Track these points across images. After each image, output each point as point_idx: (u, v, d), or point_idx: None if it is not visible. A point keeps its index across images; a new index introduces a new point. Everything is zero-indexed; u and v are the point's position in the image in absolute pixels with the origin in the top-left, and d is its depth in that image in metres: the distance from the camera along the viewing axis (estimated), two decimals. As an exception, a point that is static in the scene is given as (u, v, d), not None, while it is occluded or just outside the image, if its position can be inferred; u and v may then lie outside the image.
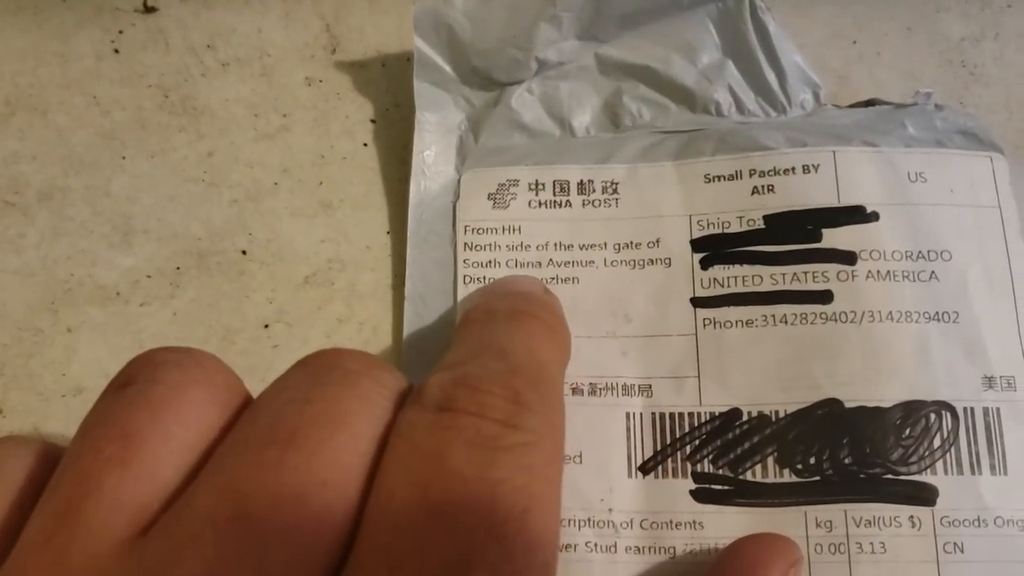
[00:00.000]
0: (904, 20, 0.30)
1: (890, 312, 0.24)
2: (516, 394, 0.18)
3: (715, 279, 0.25)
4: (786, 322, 0.24)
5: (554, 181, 0.26)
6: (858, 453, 0.23)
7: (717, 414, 0.23)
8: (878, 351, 0.23)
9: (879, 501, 0.22)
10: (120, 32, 0.29)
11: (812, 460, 0.23)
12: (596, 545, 0.23)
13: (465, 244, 0.25)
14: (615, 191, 0.26)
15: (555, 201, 0.26)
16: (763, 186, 0.25)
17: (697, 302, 0.24)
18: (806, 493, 0.23)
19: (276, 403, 0.17)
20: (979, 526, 0.22)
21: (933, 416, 0.23)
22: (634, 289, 0.25)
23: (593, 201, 0.26)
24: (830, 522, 0.22)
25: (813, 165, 0.25)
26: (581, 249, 0.25)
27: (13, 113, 0.28)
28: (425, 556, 0.15)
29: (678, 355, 0.24)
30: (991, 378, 0.23)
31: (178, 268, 0.26)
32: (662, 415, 0.23)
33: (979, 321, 0.24)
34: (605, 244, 0.25)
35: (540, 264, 0.25)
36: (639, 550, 0.23)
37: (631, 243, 0.25)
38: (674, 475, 0.23)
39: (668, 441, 0.23)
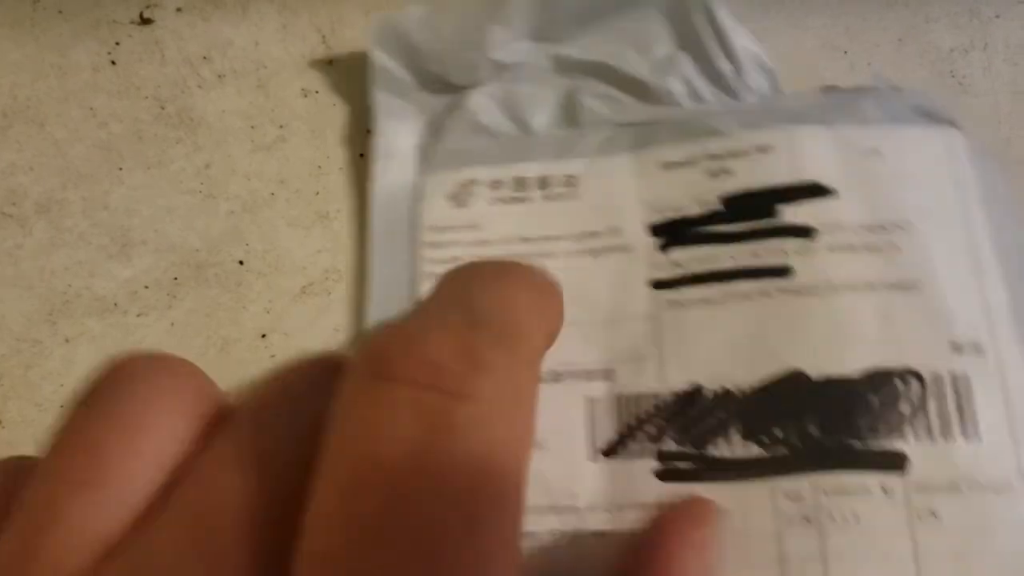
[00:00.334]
0: (895, 31, 0.30)
1: (852, 283, 0.23)
2: (471, 351, 0.14)
3: (674, 261, 0.25)
4: (746, 298, 0.24)
5: (513, 178, 0.26)
6: (825, 424, 0.22)
7: (680, 392, 0.23)
8: (842, 322, 0.23)
9: (849, 470, 0.22)
10: (117, 44, 0.30)
11: (778, 433, 0.22)
12: (561, 533, 0.22)
13: (427, 243, 0.26)
14: (574, 184, 0.26)
15: (515, 197, 0.26)
16: (719, 169, 0.25)
17: (657, 285, 0.24)
18: (773, 466, 0.22)
19: None
20: (952, 492, 0.22)
21: (900, 383, 0.23)
22: (595, 277, 0.25)
23: (553, 195, 0.26)
24: (799, 494, 0.22)
25: (768, 146, 0.25)
26: (542, 241, 0.25)
27: (11, 125, 0.29)
28: None
29: (639, 338, 0.24)
30: (958, 344, 0.23)
31: (176, 279, 0.26)
32: (624, 397, 0.23)
33: (943, 289, 0.23)
34: (566, 235, 0.26)
35: (501, 257, 0.25)
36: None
37: (591, 233, 0.25)
38: (638, 456, 0.23)
39: (631, 423, 0.23)
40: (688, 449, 0.23)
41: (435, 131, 0.27)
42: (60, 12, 0.30)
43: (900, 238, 0.24)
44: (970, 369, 0.23)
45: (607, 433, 0.23)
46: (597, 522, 0.22)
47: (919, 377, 0.23)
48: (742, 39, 0.27)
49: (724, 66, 0.27)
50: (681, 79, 0.27)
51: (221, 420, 0.15)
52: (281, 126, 0.28)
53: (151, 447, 0.15)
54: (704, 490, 0.22)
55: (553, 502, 0.22)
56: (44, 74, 0.29)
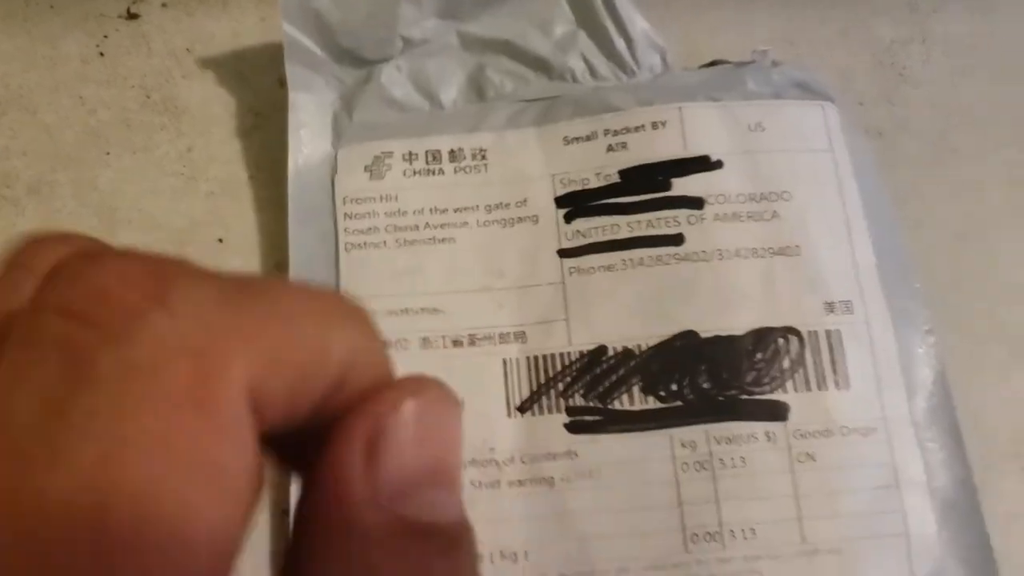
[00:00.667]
0: (839, 23, 0.32)
1: (737, 249, 0.26)
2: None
3: (578, 231, 0.26)
4: (643, 264, 0.26)
5: (426, 151, 0.28)
6: (715, 378, 0.25)
7: (585, 352, 0.25)
8: (728, 285, 0.25)
9: (737, 420, 0.24)
10: (105, 37, 0.31)
11: (674, 387, 0.25)
12: (480, 483, 0.24)
13: (345, 215, 0.27)
14: (484, 157, 0.28)
15: (428, 169, 0.27)
16: (617, 144, 0.27)
17: (563, 253, 0.26)
18: (670, 417, 0.24)
19: None
20: (826, 436, 0.24)
21: (781, 340, 0.25)
22: (506, 246, 0.27)
23: (464, 168, 0.27)
24: (694, 442, 0.24)
25: (661, 122, 0.27)
26: (455, 212, 0.27)
27: (4, 112, 0.29)
28: None
29: (548, 302, 0.26)
30: (831, 303, 0.25)
31: None
32: (536, 358, 0.25)
33: (819, 253, 0.26)
34: (477, 206, 0.27)
35: (417, 227, 0.27)
36: (520, 483, 0.24)
37: (501, 204, 0.27)
38: (549, 411, 0.25)
39: (542, 381, 0.25)
40: (594, 403, 0.25)
41: (347, 104, 0.28)
42: (51, 7, 0.31)
43: (780, 207, 0.26)
44: (842, 326, 0.25)
45: (521, 391, 0.25)
46: (513, 472, 0.24)
47: (798, 334, 0.25)
48: (636, 18, 0.28)
49: (620, 45, 0.28)
50: (580, 57, 0.28)
51: None
52: (258, 114, 0.29)
53: None
54: (609, 440, 0.24)
55: (473, 456, 0.24)
56: (36, 65, 0.30)
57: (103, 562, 0.10)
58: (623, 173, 0.27)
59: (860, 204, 0.27)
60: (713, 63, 0.29)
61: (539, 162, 0.27)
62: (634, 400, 0.25)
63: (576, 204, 0.27)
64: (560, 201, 0.27)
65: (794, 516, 0.24)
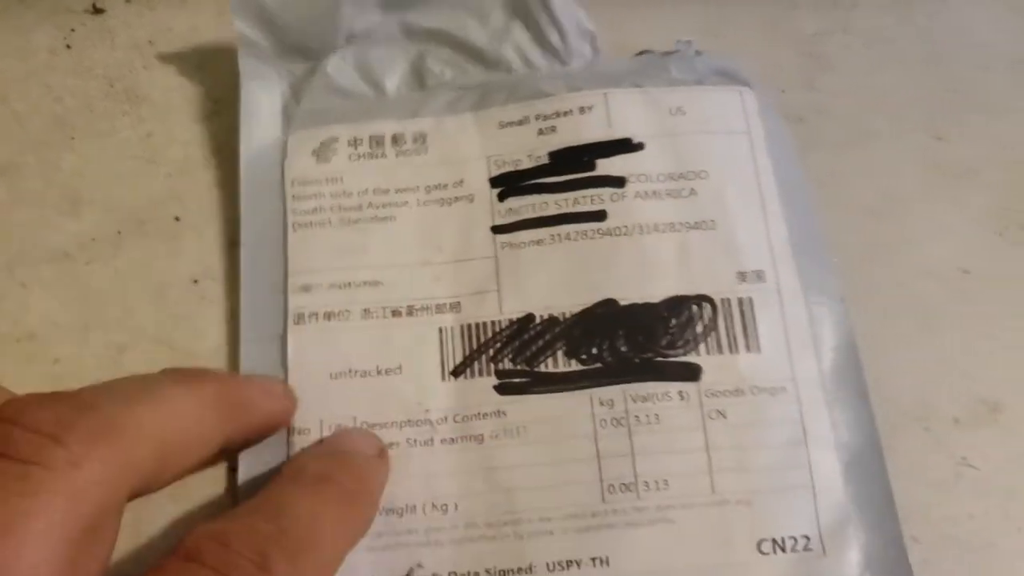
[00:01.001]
0: (764, 16, 0.34)
1: (656, 224, 0.28)
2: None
3: (510, 208, 0.28)
4: (569, 238, 0.28)
5: (370, 136, 0.29)
6: (632, 342, 0.27)
7: (515, 320, 0.27)
8: (647, 257, 0.27)
9: (652, 380, 0.26)
10: (72, 30, 0.33)
11: (594, 350, 0.27)
12: (416, 441, 0.26)
13: (293, 196, 0.29)
14: (424, 141, 0.30)
15: (372, 153, 0.29)
16: (547, 127, 0.29)
17: (496, 229, 0.28)
18: (591, 378, 0.26)
19: None
20: (737, 395, 0.26)
21: (695, 307, 0.27)
22: (443, 223, 0.28)
23: (405, 151, 0.29)
24: (612, 400, 0.26)
25: (588, 106, 0.29)
26: (396, 192, 0.29)
27: None
28: None
29: (481, 275, 0.28)
30: (744, 273, 0.27)
31: (119, 232, 0.29)
32: (469, 326, 0.27)
33: (734, 227, 0.28)
34: (417, 187, 0.29)
35: (361, 207, 0.29)
36: (453, 440, 0.26)
37: (439, 184, 0.29)
38: (480, 375, 0.27)
39: (475, 347, 0.27)
40: (521, 367, 0.27)
41: (296, 93, 0.30)
42: (21, 1, 0.33)
43: (698, 185, 0.28)
44: (754, 294, 0.27)
45: (455, 357, 0.27)
46: (446, 431, 0.26)
47: (711, 302, 0.27)
48: (567, 8, 0.30)
49: (551, 34, 0.30)
50: (514, 47, 0.30)
51: None
52: (216, 101, 0.31)
53: None
54: (534, 400, 0.26)
55: (409, 416, 0.26)
56: (6, 55, 0.32)
57: None
58: (552, 155, 0.29)
59: (774, 182, 0.29)
60: (641, 53, 0.31)
61: (475, 145, 0.29)
62: (558, 363, 0.27)
63: (509, 184, 0.29)
64: (494, 181, 0.29)
65: (705, 469, 0.25)
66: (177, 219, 0.30)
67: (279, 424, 0.25)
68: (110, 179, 0.30)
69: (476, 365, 0.27)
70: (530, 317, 0.27)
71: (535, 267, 0.27)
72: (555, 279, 0.27)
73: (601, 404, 0.26)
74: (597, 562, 0.24)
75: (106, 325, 0.28)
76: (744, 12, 0.34)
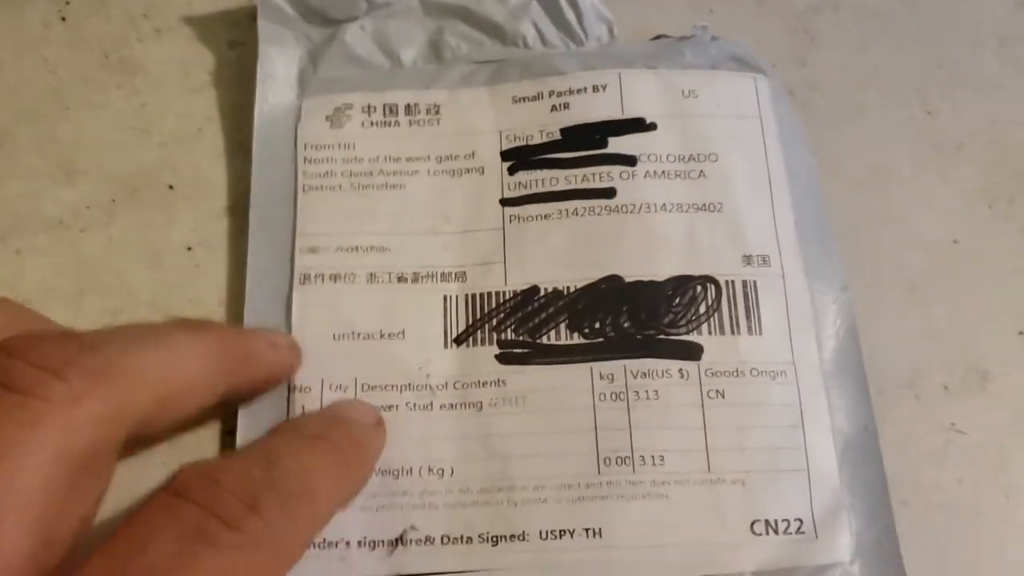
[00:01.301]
0: None
1: (664, 204, 0.28)
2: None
3: (520, 182, 0.29)
4: (577, 214, 0.28)
5: (384, 104, 0.30)
6: (635, 318, 0.27)
7: (519, 291, 0.27)
8: (654, 236, 0.28)
9: (653, 357, 0.26)
10: (67, 3, 0.33)
11: (597, 325, 0.27)
12: (415, 405, 0.26)
13: (305, 159, 0.29)
14: (437, 112, 0.30)
15: (385, 121, 0.30)
16: (560, 104, 0.29)
17: (505, 202, 0.28)
18: (592, 351, 0.26)
19: None
20: (737, 376, 0.26)
21: (700, 287, 0.27)
22: (453, 194, 0.29)
23: (418, 121, 0.30)
24: (612, 375, 0.26)
25: (601, 85, 0.29)
26: (408, 161, 0.29)
27: None
28: None
29: (488, 246, 0.28)
30: (749, 256, 0.28)
31: (114, 200, 0.30)
32: (474, 295, 0.27)
33: (740, 210, 0.28)
34: (428, 157, 0.29)
35: (371, 174, 0.29)
36: (452, 407, 0.26)
37: (451, 156, 0.29)
38: (483, 344, 0.27)
39: (478, 316, 0.27)
40: (524, 338, 0.27)
41: (314, 59, 0.31)
42: None
43: (708, 167, 0.29)
44: (759, 278, 0.27)
45: (459, 325, 0.27)
46: (446, 397, 0.26)
47: (715, 283, 0.27)
48: (586, -8, 0.31)
49: (569, 15, 0.31)
50: (532, 24, 0.31)
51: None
52: (209, 72, 0.31)
53: None
54: (535, 370, 0.26)
55: (410, 381, 0.26)
56: (1, 28, 0.32)
57: None
58: (564, 131, 0.29)
59: (784, 168, 0.29)
60: (657, 37, 0.31)
61: (488, 119, 0.29)
62: (560, 336, 0.27)
63: (520, 158, 0.29)
64: (505, 155, 0.29)
65: (702, 447, 0.25)
66: (171, 188, 0.30)
67: (282, 377, 0.25)
68: (104, 149, 0.30)
69: (479, 334, 0.27)
70: (535, 289, 0.27)
71: (542, 240, 0.28)
72: (561, 253, 0.27)
73: (601, 378, 0.26)
74: (590, 533, 0.25)
75: (101, 291, 0.28)
76: (736, -11, 0.34)
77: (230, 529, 0.17)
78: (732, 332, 0.27)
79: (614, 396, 0.26)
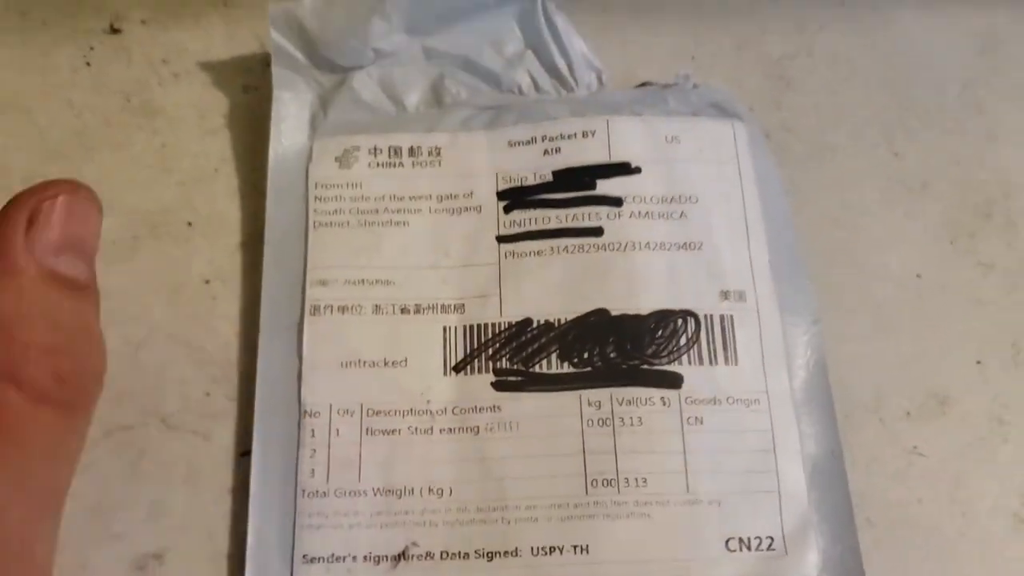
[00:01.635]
0: (735, 39, 0.37)
1: (648, 243, 0.30)
2: None
3: (515, 221, 0.31)
4: (567, 251, 0.30)
5: (389, 147, 0.32)
6: (621, 349, 0.29)
7: (513, 323, 0.29)
8: (638, 272, 0.30)
9: (637, 385, 0.28)
10: (91, 48, 0.35)
11: (586, 355, 0.29)
12: (417, 429, 0.28)
13: (315, 197, 0.31)
14: (438, 154, 0.32)
15: (390, 162, 0.32)
16: (552, 148, 0.31)
17: (501, 239, 0.31)
18: (581, 380, 0.29)
19: None
20: (715, 404, 0.28)
21: (680, 321, 0.29)
22: (453, 231, 0.31)
23: (421, 162, 0.32)
24: (599, 402, 0.28)
25: (590, 131, 0.31)
26: (411, 200, 0.31)
27: (1, 114, 0.33)
28: None
29: (485, 280, 0.30)
30: (727, 292, 0.30)
31: (135, 236, 0.32)
32: (472, 326, 0.29)
33: (718, 249, 0.30)
34: (430, 196, 0.31)
35: (377, 211, 0.31)
36: (451, 431, 0.28)
37: (451, 195, 0.31)
38: (479, 372, 0.29)
39: (475, 346, 0.29)
40: (518, 367, 0.29)
41: (324, 104, 0.33)
42: (44, 23, 0.35)
43: (688, 208, 0.31)
44: (735, 312, 0.30)
45: (457, 354, 0.29)
46: (445, 422, 0.28)
47: (695, 317, 0.29)
48: (576, 43, 0.33)
49: (561, 64, 0.33)
50: (527, 73, 0.33)
51: None
52: (225, 115, 0.33)
53: None
54: (528, 397, 0.28)
55: (412, 406, 0.28)
56: (30, 72, 0.34)
57: None
58: (556, 174, 0.31)
59: (760, 209, 0.31)
60: (643, 84, 0.34)
61: (486, 161, 0.32)
62: (552, 365, 0.29)
63: (515, 198, 0.31)
64: (501, 195, 0.31)
65: (681, 470, 0.27)
66: (189, 224, 0.32)
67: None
68: (127, 187, 0.32)
69: (476, 363, 0.29)
70: (528, 321, 0.29)
71: (535, 275, 0.30)
72: (553, 287, 0.29)
73: (589, 405, 0.28)
74: (578, 549, 0.27)
75: (124, 322, 0.30)
76: (717, 36, 0.36)
77: None
78: (710, 363, 0.29)
79: (601, 422, 0.28)
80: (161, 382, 0.29)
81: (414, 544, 0.27)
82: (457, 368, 0.29)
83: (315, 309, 0.29)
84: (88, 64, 0.35)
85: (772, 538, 0.27)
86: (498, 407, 0.28)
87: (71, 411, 0.22)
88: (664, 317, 0.29)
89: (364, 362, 0.29)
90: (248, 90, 0.34)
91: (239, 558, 0.27)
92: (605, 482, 0.27)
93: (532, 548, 0.27)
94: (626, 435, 0.28)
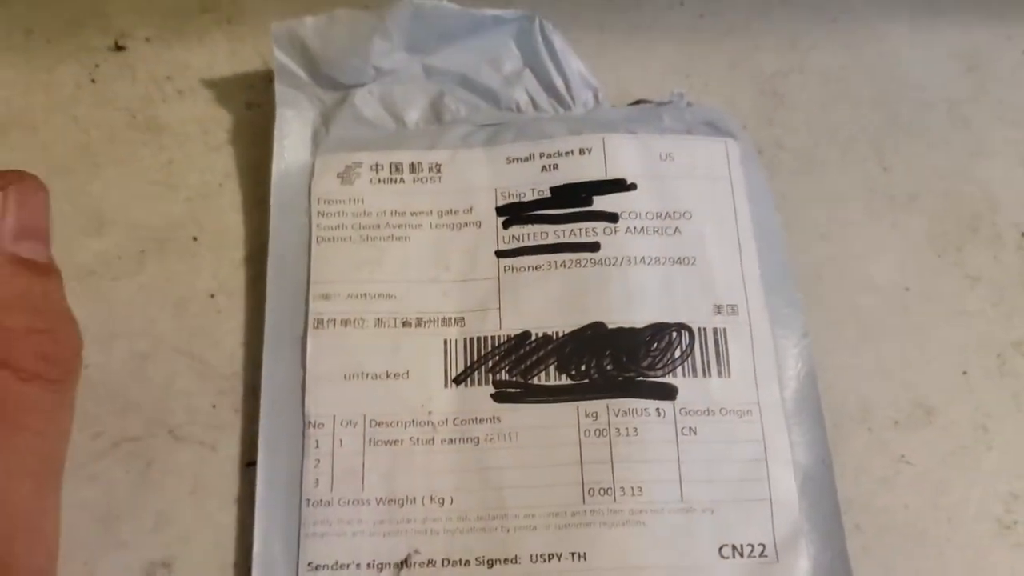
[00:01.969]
0: (728, 58, 0.37)
1: (643, 257, 0.31)
2: None
3: (513, 236, 0.32)
4: (565, 266, 0.31)
5: (390, 163, 0.33)
6: (617, 362, 0.30)
7: (512, 336, 0.30)
8: (634, 286, 0.30)
9: (633, 397, 0.29)
10: (96, 66, 0.36)
11: (583, 367, 0.30)
12: (418, 439, 0.29)
13: (318, 212, 0.32)
14: (439, 171, 0.33)
15: (391, 178, 0.32)
16: (550, 165, 0.32)
17: (500, 254, 0.31)
18: (578, 392, 0.29)
19: None
20: (708, 415, 0.29)
21: (675, 334, 0.30)
22: (453, 245, 0.32)
23: (422, 178, 0.33)
24: (596, 413, 0.29)
25: (587, 148, 0.32)
26: (412, 215, 0.32)
27: (8, 131, 0.34)
28: None
29: (485, 294, 0.31)
30: (719, 306, 0.31)
31: (142, 251, 0.32)
32: (472, 339, 0.30)
33: (711, 264, 0.31)
34: (431, 211, 0.32)
35: (379, 226, 0.32)
36: (451, 441, 0.29)
37: (451, 210, 0.32)
38: (479, 384, 0.30)
39: (475, 359, 0.30)
40: (517, 378, 0.30)
41: (326, 121, 0.33)
42: (48, 41, 0.36)
43: (682, 224, 0.32)
44: (728, 325, 0.30)
45: (458, 366, 0.30)
46: (446, 432, 0.29)
47: (689, 330, 0.30)
48: (573, 62, 0.34)
49: (558, 82, 0.34)
50: (525, 91, 0.34)
51: None
52: (228, 131, 0.34)
53: None
54: (527, 408, 0.29)
55: (413, 417, 0.29)
56: (35, 90, 0.34)
57: None
58: (553, 190, 0.32)
59: (751, 225, 0.32)
60: (638, 102, 0.34)
61: (485, 177, 0.32)
62: (550, 377, 0.30)
63: (513, 214, 0.32)
64: (500, 210, 0.32)
65: (676, 479, 0.28)
66: (195, 239, 0.33)
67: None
68: (133, 203, 0.33)
69: (476, 375, 0.30)
70: (526, 334, 0.30)
71: (533, 289, 0.30)
72: (551, 301, 0.30)
73: (586, 416, 0.29)
74: (575, 556, 0.27)
75: (131, 335, 0.31)
76: (711, 53, 0.37)
77: None
78: (704, 375, 0.30)
79: (598, 432, 0.29)
80: (168, 394, 0.30)
81: (416, 552, 0.27)
82: (458, 380, 0.29)
83: (318, 322, 0.30)
84: (93, 81, 0.36)
85: (764, 545, 0.28)
86: (498, 418, 0.29)
87: (59, 387, 0.23)
88: (659, 330, 0.30)
89: (366, 374, 0.30)
90: (251, 107, 0.35)
91: (245, 566, 0.28)
92: (602, 491, 0.28)
93: (531, 555, 0.27)
94: (622, 445, 0.28)
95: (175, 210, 0.33)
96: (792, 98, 0.37)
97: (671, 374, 0.29)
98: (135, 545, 0.28)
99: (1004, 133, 0.36)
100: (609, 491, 0.28)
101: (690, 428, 0.29)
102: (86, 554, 0.28)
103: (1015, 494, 0.30)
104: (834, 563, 0.28)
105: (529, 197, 0.32)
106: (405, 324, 0.30)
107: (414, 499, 0.28)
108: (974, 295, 0.33)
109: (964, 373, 0.32)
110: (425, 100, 0.34)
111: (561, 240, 0.31)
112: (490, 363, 0.29)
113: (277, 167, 0.32)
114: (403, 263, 0.31)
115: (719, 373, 0.29)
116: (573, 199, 0.31)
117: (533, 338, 0.30)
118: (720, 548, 0.27)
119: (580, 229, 0.31)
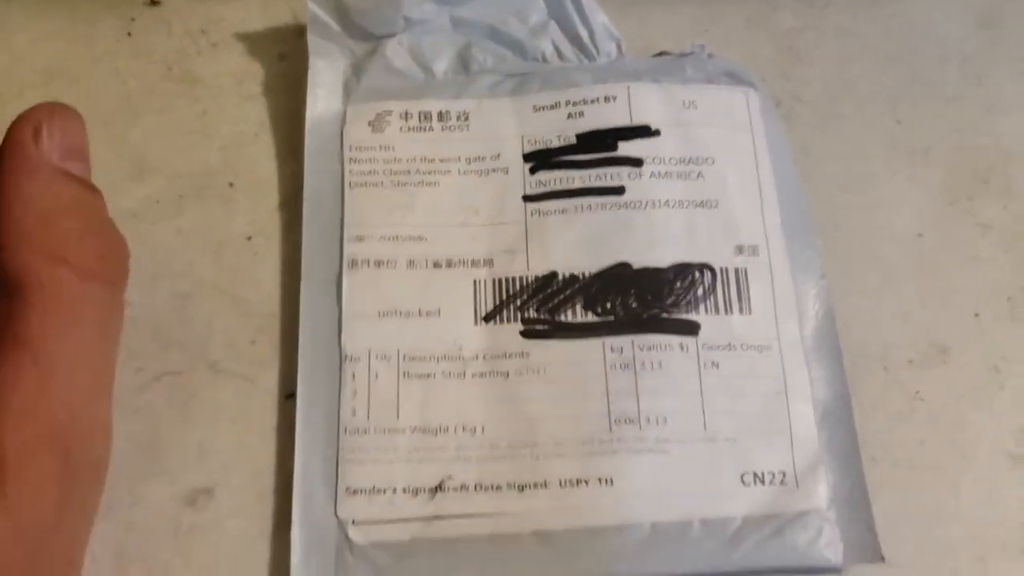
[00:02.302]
0: (746, 15, 0.38)
1: (667, 200, 0.32)
2: None
3: (540, 181, 0.33)
4: (591, 209, 0.32)
5: (419, 112, 0.34)
6: (642, 300, 0.31)
7: (540, 276, 0.31)
8: (658, 228, 0.32)
9: (657, 333, 0.30)
10: (132, 20, 0.37)
11: (608, 305, 0.31)
12: (450, 373, 0.30)
13: (350, 159, 0.33)
14: (467, 119, 0.34)
15: (420, 127, 0.33)
16: (575, 112, 0.33)
17: (527, 198, 0.32)
18: (604, 328, 0.30)
19: None
20: (730, 350, 0.30)
21: (698, 273, 0.31)
22: (481, 191, 0.33)
23: (450, 127, 0.34)
24: (621, 348, 0.30)
25: (612, 96, 0.33)
26: (440, 162, 0.33)
27: (51, 80, 0.35)
28: None
29: (512, 237, 0.32)
30: (741, 247, 0.32)
31: (181, 196, 0.33)
32: (500, 279, 0.31)
33: (733, 207, 0.32)
34: (459, 158, 0.33)
35: (409, 172, 0.33)
36: (482, 375, 0.30)
37: (479, 157, 0.33)
38: (508, 321, 0.31)
39: (504, 298, 0.31)
40: (545, 316, 0.31)
41: (357, 71, 0.34)
42: None
43: (705, 169, 0.33)
44: (749, 265, 0.32)
45: (487, 305, 0.31)
46: (476, 367, 0.30)
47: (711, 269, 0.31)
48: (597, 13, 0.35)
49: (583, 34, 0.35)
50: (550, 42, 0.35)
51: None
52: (261, 83, 0.35)
53: None
54: (554, 344, 0.30)
55: (445, 352, 0.30)
56: (76, 42, 0.36)
57: None
58: (579, 136, 0.33)
59: (771, 172, 0.33)
60: (660, 54, 0.35)
61: (512, 125, 0.33)
62: (576, 314, 0.31)
63: (540, 160, 0.33)
64: (527, 157, 0.33)
65: (699, 410, 0.29)
66: (231, 185, 0.34)
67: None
68: (171, 151, 0.34)
69: (505, 313, 0.31)
70: (553, 274, 0.31)
71: (560, 232, 0.31)
72: (577, 243, 0.31)
73: (612, 351, 0.30)
74: (603, 481, 0.28)
75: (172, 276, 0.32)
76: (729, 10, 0.38)
77: None
78: (725, 312, 0.31)
79: (623, 366, 0.30)
80: (209, 331, 0.31)
81: (450, 477, 0.28)
82: (487, 318, 0.30)
83: (353, 263, 0.31)
84: (129, 34, 0.37)
85: (784, 473, 0.29)
86: (526, 353, 0.30)
87: (113, 287, 0.25)
88: (683, 270, 0.31)
89: (400, 312, 0.31)
90: (284, 58, 0.36)
91: (285, 492, 0.29)
92: (628, 421, 0.29)
93: (560, 480, 0.28)
94: (647, 378, 0.30)
95: (211, 158, 0.34)
96: (808, 53, 0.37)
97: (694, 311, 0.30)
98: (178, 473, 0.29)
99: (1017, 88, 0.37)
100: (634, 421, 0.29)
101: (712, 362, 0.30)
102: (130, 481, 0.29)
103: (1026, 430, 0.31)
104: (852, 490, 0.29)
105: (555, 144, 0.33)
106: (436, 265, 0.31)
107: (447, 428, 0.29)
108: (985, 242, 0.34)
109: (976, 315, 0.33)
110: (453, 51, 0.35)
111: (587, 185, 0.32)
112: (518, 302, 0.31)
113: (310, 116, 0.33)
114: (433, 208, 0.32)
115: (740, 310, 0.30)
116: (598, 145, 0.32)
117: (560, 278, 0.31)
118: (742, 475, 0.29)
119: (605, 174, 0.32)
